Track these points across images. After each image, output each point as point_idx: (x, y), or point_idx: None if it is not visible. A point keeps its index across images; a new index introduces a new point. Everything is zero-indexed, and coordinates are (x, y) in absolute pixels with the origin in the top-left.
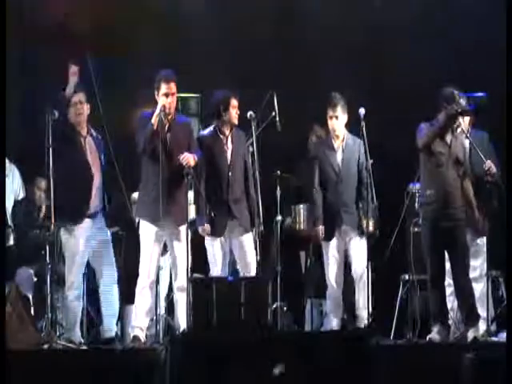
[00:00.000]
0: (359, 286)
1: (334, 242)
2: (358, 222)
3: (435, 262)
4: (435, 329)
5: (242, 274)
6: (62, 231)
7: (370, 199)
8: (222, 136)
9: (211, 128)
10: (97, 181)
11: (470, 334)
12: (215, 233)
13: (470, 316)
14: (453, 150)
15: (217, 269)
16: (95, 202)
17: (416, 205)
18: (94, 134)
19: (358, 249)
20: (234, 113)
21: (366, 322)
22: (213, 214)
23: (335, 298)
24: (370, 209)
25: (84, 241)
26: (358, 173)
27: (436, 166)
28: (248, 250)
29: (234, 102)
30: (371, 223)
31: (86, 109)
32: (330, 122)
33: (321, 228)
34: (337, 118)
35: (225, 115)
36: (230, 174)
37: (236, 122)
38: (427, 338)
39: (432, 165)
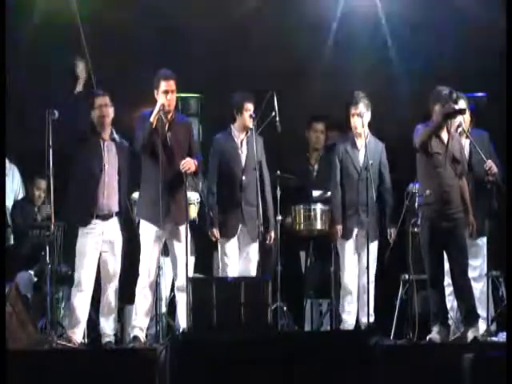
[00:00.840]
0: (368, 289)
1: (351, 242)
2: (376, 224)
3: (434, 261)
4: (435, 329)
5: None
6: (79, 231)
7: (391, 200)
8: (236, 139)
9: (226, 131)
10: (111, 184)
11: (470, 334)
12: (227, 234)
13: (469, 316)
14: (450, 149)
15: (230, 268)
16: (107, 204)
17: (416, 205)
18: (118, 138)
19: (373, 252)
20: (247, 116)
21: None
22: (212, 215)
23: (351, 298)
24: (390, 213)
25: (94, 242)
26: (379, 174)
27: (434, 167)
28: (252, 259)
29: (249, 106)
30: (393, 230)
31: (110, 112)
32: (352, 120)
33: (339, 227)
34: (359, 115)
35: (239, 119)
36: (243, 177)
37: (250, 125)
38: (427, 338)
39: (430, 165)
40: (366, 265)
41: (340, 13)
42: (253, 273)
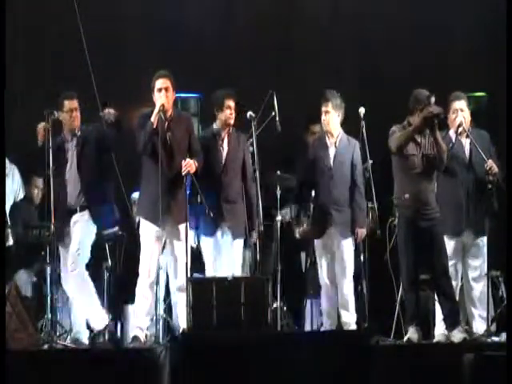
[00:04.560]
0: (345, 288)
1: (323, 241)
2: (349, 222)
3: (411, 262)
4: (411, 329)
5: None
6: None
7: (361, 200)
8: (217, 137)
9: (208, 129)
10: (72, 179)
11: (458, 335)
12: (206, 232)
13: (452, 316)
14: (424, 150)
15: (209, 268)
16: (72, 198)
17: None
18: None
19: (346, 250)
20: (228, 113)
21: (352, 326)
22: (212, 215)
23: (328, 297)
24: (361, 211)
25: (67, 236)
26: (351, 173)
27: (409, 169)
28: (236, 256)
29: (230, 103)
30: (361, 231)
31: (78, 116)
32: (322, 118)
33: (311, 226)
34: (328, 113)
35: (220, 116)
36: (222, 175)
37: (231, 122)
38: (405, 339)
39: (406, 167)
40: (344, 263)
41: (339, 13)
42: (237, 268)
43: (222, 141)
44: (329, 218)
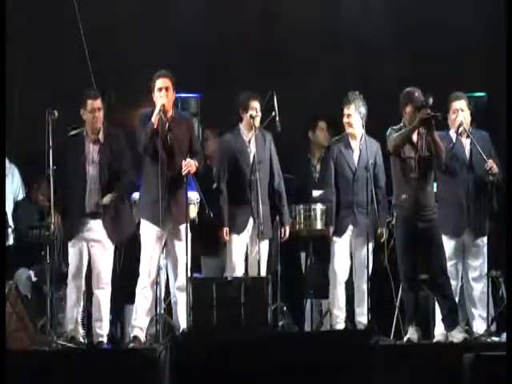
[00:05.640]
0: (362, 286)
1: (344, 240)
2: (370, 223)
3: (410, 262)
4: (410, 329)
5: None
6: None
7: (384, 201)
8: (244, 137)
9: (234, 130)
10: (94, 182)
11: (458, 335)
12: (236, 230)
13: (447, 318)
14: (420, 152)
15: (234, 267)
16: (92, 202)
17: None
18: (102, 136)
19: (365, 252)
20: (254, 114)
21: (364, 323)
22: (212, 215)
23: (339, 296)
24: (383, 213)
25: (82, 240)
26: (373, 175)
27: (407, 172)
28: (262, 256)
29: (255, 104)
30: (385, 230)
31: (101, 116)
32: (344, 120)
33: (331, 229)
34: (350, 116)
35: (245, 117)
36: (252, 175)
37: (257, 123)
38: (405, 339)
39: (403, 170)
40: (361, 264)
41: (338, 13)
42: (262, 272)
43: (249, 142)
44: (352, 219)
